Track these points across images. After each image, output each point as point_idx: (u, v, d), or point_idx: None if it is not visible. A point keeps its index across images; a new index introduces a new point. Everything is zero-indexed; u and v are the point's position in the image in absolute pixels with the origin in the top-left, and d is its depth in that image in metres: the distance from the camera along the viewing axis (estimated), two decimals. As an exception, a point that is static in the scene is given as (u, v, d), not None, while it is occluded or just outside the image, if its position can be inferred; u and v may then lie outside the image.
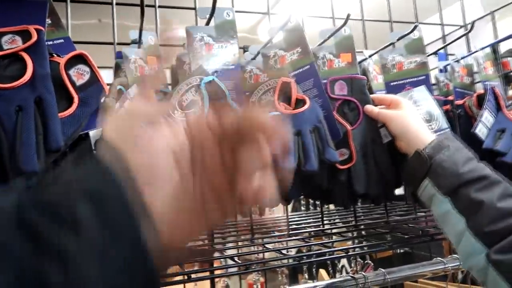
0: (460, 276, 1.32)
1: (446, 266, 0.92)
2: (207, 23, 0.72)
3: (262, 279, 2.06)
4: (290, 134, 0.66)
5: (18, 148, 0.44)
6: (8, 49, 0.48)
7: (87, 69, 0.52)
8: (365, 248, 0.82)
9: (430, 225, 0.95)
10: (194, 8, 0.83)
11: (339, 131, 0.72)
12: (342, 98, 0.77)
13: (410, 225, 0.95)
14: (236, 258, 0.74)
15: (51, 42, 0.54)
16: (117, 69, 0.78)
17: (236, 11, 0.75)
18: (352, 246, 0.91)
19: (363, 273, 0.86)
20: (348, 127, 0.73)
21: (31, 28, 0.49)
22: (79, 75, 0.52)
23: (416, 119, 0.72)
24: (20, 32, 0.49)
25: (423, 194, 0.66)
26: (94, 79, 0.52)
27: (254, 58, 0.85)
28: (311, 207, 1.99)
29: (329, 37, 0.80)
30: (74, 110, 0.50)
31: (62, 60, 0.51)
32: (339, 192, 0.81)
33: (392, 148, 0.75)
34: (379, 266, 0.93)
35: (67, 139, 0.49)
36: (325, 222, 0.98)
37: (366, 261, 1.77)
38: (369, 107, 0.77)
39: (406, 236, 0.85)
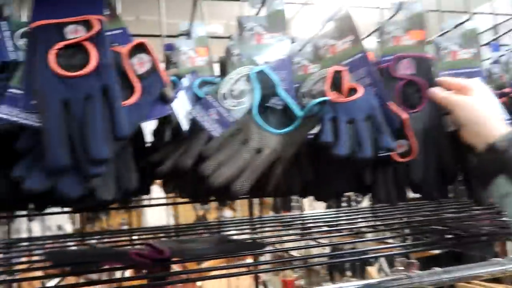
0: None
1: (506, 267, 0.86)
2: (258, 13, 0.72)
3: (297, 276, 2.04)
4: (342, 122, 0.64)
5: (88, 135, 0.45)
6: (72, 38, 0.49)
7: (148, 58, 0.53)
8: (421, 247, 0.79)
9: (492, 223, 0.90)
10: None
11: (395, 120, 0.69)
12: (407, 78, 0.74)
13: (465, 223, 0.90)
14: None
15: (109, 33, 0.55)
16: (168, 61, 0.79)
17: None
18: (402, 244, 0.87)
19: (418, 271, 0.83)
20: (404, 115, 0.70)
21: (93, 18, 0.51)
22: (141, 63, 0.53)
23: (488, 107, 0.64)
24: (82, 22, 0.51)
25: (495, 192, 0.60)
26: (154, 68, 0.53)
27: (301, 50, 0.84)
28: (352, 204, 1.95)
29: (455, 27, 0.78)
30: (136, 99, 0.51)
31: (125, 49, 0.52)
32: (385, 186, 0.79)
33: (453, 139, 0.71)
34: (424, 265, 0.90)
35: (130, 128, 0.49)
36: (366, 219, 0.95)
37: (410, 260, 1.72)
38: (433, 90, 0.70)
39: (464, 235, 0.81)
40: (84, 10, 0.52)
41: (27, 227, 2.57)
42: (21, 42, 0.54)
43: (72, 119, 0.46)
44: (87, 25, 0.50)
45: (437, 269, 0.81)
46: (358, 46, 0.71)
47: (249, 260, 1.25)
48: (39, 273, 0.78)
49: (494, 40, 1.08)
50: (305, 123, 0.64)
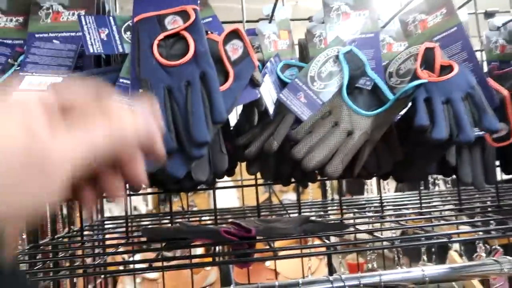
0: None
1: None
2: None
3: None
4: (438, 104, 0.61)
5: (191, 120, 0.48)
6: (171, 29, 0.52)
7: (241, 43, 0.54)
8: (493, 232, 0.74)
9: None
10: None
11: (495, 97, 0.65)
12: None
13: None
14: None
15: (202, 21, 0.57)
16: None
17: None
18: (486, 229, 0.82)
19: (507, 257, 0.78)
20: (506, 92, 0.65)
21: (189, 8, 0.53)
22: (234, 50, 0.54)
23: None
24: (179, 12, 0.53)
25: None
26: (247, 53, 0.54)
27: (384, 26, 0.81)
28: (430, 186, 1.86)
29: None
30: (230, 84, 0.53)
31: (221, 37, 0.54)
32: (472, 168, 0.75)
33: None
34: (508, 253, 0.84)
35: (227, 112, 0.51)
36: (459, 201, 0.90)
37: (493, 246, 1.61)
38: None
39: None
40: (180, 1, 0.54)
41: (107, 207, 2.79)
42: (126, 36, 0.57)
43: (175, 105, 0.49)
44: (184, 15, 0.53)
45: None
46: (453, 19, 0.66)
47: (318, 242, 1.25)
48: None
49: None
50: (396, 104, 0.62)
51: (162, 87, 0.49)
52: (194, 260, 0.90)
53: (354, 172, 0.64)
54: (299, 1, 3.10)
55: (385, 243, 0.70)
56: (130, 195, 1.04)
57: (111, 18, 0.55)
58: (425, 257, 1.68)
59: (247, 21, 0.84)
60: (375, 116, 0.61)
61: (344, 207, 1.09)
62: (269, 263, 2.05)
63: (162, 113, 0.47)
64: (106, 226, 1.05)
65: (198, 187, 0.85)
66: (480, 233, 0.82)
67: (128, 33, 0.55)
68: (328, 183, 1.95)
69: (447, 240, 0.71)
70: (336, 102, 0.62)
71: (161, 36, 0.51)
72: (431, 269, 0.76)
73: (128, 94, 0.51)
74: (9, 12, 0.63)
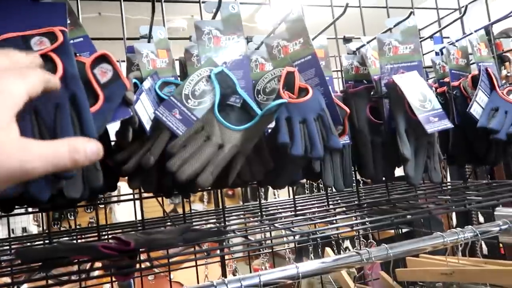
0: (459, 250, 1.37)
1: (445, 240, 0.97)
2: (214, 17, 0.76)
3: (268, 264, 2.12)
4: (296, 123, 0.70)
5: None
6: (38, 50, 0.52)
7: (110, 67, 0.56)
8: (368, 224, 0.87)
9: (430, 201, 1.00)
10: (199, 2, 0.87)
11: (340, 117, 0.76)
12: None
13: (410, 201, 1.00)
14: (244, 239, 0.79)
15: (72, 41, 0.58)
16: (129, 63, 0.82)
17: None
18: (355, 222, 0.95)
19: (367, 248, 0.91)
20: (347, 109, 0.78)
21: (56, 30, 0.53)
22: (103, 73, 0.56)
23: None
24: (46, 33, 0.53)
25: None
26: (117, 76, 0.56)
27: (257, 48, 0.90)
28: (314, 190, 2.04)
29: (394, 25, 0.91)
30: (100, 106, 0.54)
31: (88, 60, 0.55)
32: (333, 173, 0.87)
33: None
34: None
35: (96, 132, 0.53)
36: (327, 202, 1.03)
37: (369, 241, 1.84)
38: None
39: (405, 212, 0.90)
40: (48, 21, 0.54)
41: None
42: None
43: (43, 127, 0.49)
44: (52, 36, 0.53)
45: (384, 245, 0.90)
46: (308, 48, 0.77)
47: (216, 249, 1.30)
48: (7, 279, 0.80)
49: (436, 33, 1.17)
50: (263, 119, 0.69)
51: (28, 108, 0.49)
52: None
53: (228, 181, 0.70)
54: (195, 14, 3.17)
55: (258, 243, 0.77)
56: (7, 215, 0.97)
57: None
58: (312, 256, 1.84)
59: (128, 38, 0.86)
60: (244, 130, 0.68)
61: (236, 213, 1.16)
62: (172, 276, 2.04)
63: (25, 135, 0.48)
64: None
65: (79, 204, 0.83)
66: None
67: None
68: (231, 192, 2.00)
69: (316, 236, 0.81)
70: (208, 118, 0.68)
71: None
72: (304, 265, 0.86)
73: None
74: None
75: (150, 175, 0.72)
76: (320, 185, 2.02)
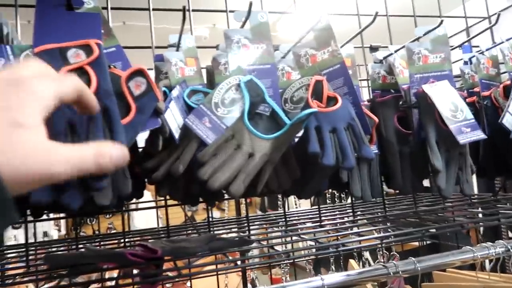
0: (488, 265, 1.33)
1: (475, 254, 0.93)
2: (242, 26, 0.76)
3: (288, 274, 2.10)
4: (326, 133, 0.69)
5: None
6: (74, 63, 0.53)
7: (144, 80, 0.57)
8: (395, 237, 0.85)
9: (458, 214, 0.97)
10: (226, 11, 0.88)
11: (369, 126, 0.75)
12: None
13: (439, 214, 0.97)
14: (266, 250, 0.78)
15: (105, 51, 0.59)
16: (158, 71, 0.83)
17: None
18: (384, 235, 0.93)
19: (394, 262, 0.89)
20: (376, 119, 0.77)
21: (92, 43, 0.54)
22: (137, 86, 0.56)
23: None
24: (82, 46, 0.54)
25: None
26: (150, 89, 0.57)
27: (284, 57, 0.89)
28: (336, 200, 2.01)
29: (424, 34, 0.90)
30: (132, 118, 0.55)
31: (124, 75, 0.56)
32: (361, 183, 0.85)
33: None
34: (405, 258, 0.96)
35: (126, 144, 0.53)
36: (353, 213, 1.01)
37: (392, 253, 1.79)
38: None
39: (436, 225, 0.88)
40: (83, 32, 0.55)
41: (12, 234, 2.55)
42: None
43: (76, 138, 0.50)
44: (87, 49, 0.54)
45: (412, 259, 0.88)
46: (337, 57, 0.76)
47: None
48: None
49: (465, 42, 1.15)
50: (292, 128, 0.69)
51: (64, 122, 0.49)
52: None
53: (257, 190, 0.69)
54: (217, 23, 3.20)
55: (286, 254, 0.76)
56: (33, 221, 0.99)
57: (8, 47, 0.55)
58: (333, 267, 1.81)
59: (156, 47, 0.87)
60: (273, 139, 0.68)
61: (257, 222, 1.15)
62: (189, 284, 2.04)
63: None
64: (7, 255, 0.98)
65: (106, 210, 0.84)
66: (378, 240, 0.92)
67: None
68: (248, 200, 2.00)
69: (335, 250, 0.79)
70: (238, 126, 0.68)
71: (64, 70, 0.52)
72: (329, 278, 0.84)
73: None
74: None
75: (178, 183, 0.72)
76: (342, 195, 1.99)
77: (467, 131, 0.78)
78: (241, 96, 0.70)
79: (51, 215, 0.92)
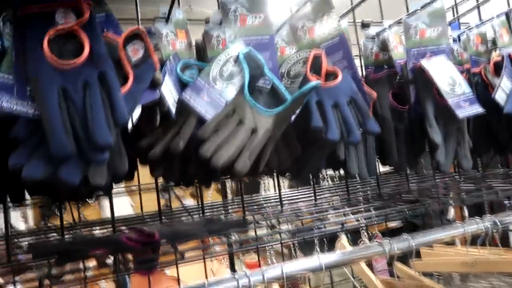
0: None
1: (465, 229, 0.94)
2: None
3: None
4: (329, 107, 0.67)
5: (91, 122, 0.44)
6: (63, 24, 0.47)
7: (142, 44, 0.52)
8: (402, 213, 0.84)
9: (454, 191, 0.97)
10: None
11: (369, 102, 0.73)
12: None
13: (432, 191, 0.97)
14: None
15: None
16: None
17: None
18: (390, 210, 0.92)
19: (388, 239, 0.88)
20: (375, 94, 0.75)
21: (83, 4, 0.49)
22: (135, 51, 0.52)
23: None
24: (71, 7, 0.49)
25: None
26: (148, 55, 0.52)
27: (278, 30, 0.86)
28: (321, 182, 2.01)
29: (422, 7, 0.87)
30: (130, 87, 0.50)
31: (121, 38, 0.51)
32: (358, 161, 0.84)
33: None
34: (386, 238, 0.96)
35: (128, 114, 0.49)
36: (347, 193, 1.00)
37: (374, 232, 1.81)
38: None
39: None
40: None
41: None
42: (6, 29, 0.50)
43: (72, 107, 0.45)
44: (77, 10, 0.49)
45: (405, 235, 0.88)
46: (337, 30, 0.73)
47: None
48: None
49: (454, 19, 1.15)
50: (293, 103, 0.66)
51: (56, 88, 0.44)
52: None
53: (259, 169, 0.66)
54: (193, 5, 3.09)
55: (283, 235, 0.74)
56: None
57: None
58: (318, 248, 1.81)
59: (142, 19, 0.81)
60: (275, 114, 0.65)
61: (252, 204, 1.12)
62: (168, 271, 1.99)
63: (56, 116, 0.43)
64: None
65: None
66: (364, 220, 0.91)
67: (8, 25, 0.49)
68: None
69: (339, 229, 0.78)
70: (239, 101, 0.64)
71: (52, 33, 0.46)
72: (326, 257, 0.83)
73: (9, 92, 0.45)
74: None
75: (174, 162, 0.68)
76: (326, 176, 1.99)
77: (465, 106, 0.78)
78: (240, 69, 0.66)
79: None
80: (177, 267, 1.49)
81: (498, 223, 0.93)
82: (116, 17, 0.83)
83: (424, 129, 0.80)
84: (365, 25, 1.04)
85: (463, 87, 0.79)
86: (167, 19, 0.75)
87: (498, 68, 0.96)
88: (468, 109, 0.77)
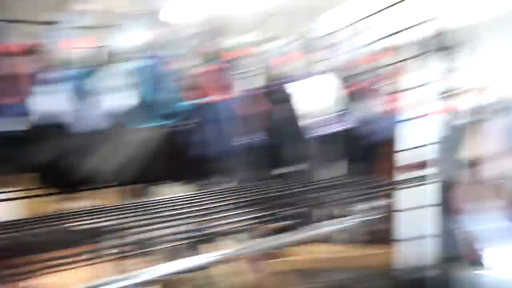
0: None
1: (326, 229, 1.08)
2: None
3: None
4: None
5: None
6: None
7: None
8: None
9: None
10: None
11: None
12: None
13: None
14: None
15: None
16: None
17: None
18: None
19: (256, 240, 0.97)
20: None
21: None
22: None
23: None
24: None
25: None
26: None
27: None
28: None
29: None
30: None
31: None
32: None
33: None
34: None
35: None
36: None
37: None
38: None
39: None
40: None
41: None
42: None
43: None
44: None
45: (259, 240, 0.96)
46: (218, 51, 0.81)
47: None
48: None
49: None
50: (171, 118, 0.72)
51: None
52: None
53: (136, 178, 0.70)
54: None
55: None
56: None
57: None
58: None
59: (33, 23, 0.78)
60: (153, 128, 0.70)
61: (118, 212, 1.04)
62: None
63: None
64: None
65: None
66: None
67: None
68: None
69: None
70: (121, 114, 0.68)
71: None
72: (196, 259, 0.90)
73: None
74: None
75: (56, 171, 0.68)
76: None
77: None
78: (126, 83, 0.69)
79: None
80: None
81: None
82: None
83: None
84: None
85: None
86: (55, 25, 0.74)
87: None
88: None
